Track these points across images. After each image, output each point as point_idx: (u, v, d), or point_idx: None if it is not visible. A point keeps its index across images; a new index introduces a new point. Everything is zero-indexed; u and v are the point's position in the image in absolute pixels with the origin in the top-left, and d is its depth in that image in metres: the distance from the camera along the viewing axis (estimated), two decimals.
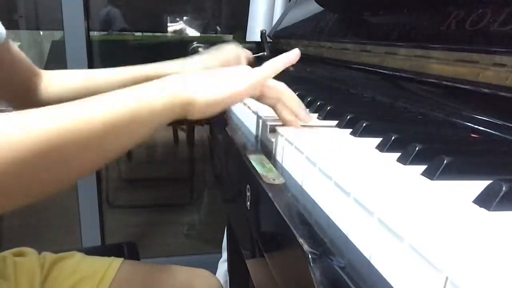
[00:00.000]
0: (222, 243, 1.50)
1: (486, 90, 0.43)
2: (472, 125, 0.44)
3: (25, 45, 1.81)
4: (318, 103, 0.54)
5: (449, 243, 0.20)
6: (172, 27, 1.86)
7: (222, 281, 0.88)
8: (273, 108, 0.47)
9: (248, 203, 0.40)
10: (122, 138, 0.38)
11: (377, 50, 0.64)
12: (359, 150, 0.37)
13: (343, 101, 0.61)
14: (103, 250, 1.03)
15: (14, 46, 0.64)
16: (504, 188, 0.24)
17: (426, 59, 0.53)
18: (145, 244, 1.81)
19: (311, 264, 0.24)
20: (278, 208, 0.31)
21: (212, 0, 1.87)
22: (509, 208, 0.24)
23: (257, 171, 0.38)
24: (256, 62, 0.85)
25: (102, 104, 0.36)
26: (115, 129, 0.36)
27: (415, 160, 0.32)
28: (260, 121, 0.50)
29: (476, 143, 0.41)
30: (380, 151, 0.36)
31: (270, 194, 0.33)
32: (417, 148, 0.32)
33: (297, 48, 0.48)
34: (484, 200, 0.25)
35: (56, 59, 1.67)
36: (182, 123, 2.02)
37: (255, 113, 0.52)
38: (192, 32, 1.86)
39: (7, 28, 0.60)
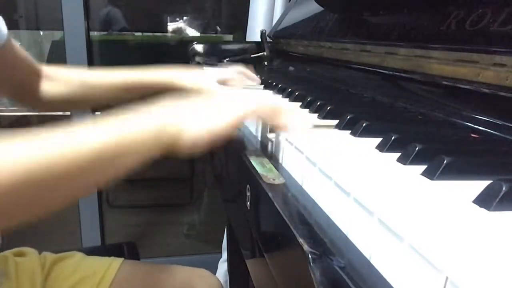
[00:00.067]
0: (222, 243, 1.51)
1: (486, 90, 0.43)
2: (472, 125, 0.44)
3: (25, 45, 1.82)
4: (318, 103, 0.54)
5: (449, 243, 0.20)
6: (172, 27, 1.86)
7: (222, 281, 0.88)
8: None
9: (248, 203, 0.40)
10: (109, 170, 0.37)
11: (377, 50, 0.64)
12: (359, 150, 0.37)
13: (343, 101, 0.61)
14: (103, 250, 1.03)
15: (17, 44, 0.65)
16: (504, 188, 0.24)
17: (426, 59, 0.53)
18: (145, 244, 1.81)
19: (311, 264, 0.24)
20: (278, 208, 0.31)
21: (212, 0, 1.87)
22: (509, 208, 0.24)
23: (257, 171, 0.38)
24: (255, 67, 0.85)
25: (87, 136, 0.36)
26: (101, 162, 0.36)
27: (415, 160, 0.32)
28: (260, 121, 0.50)
29: (476, 143, 0.40)
30: (380, 151, 0.36)
31: (270, 194, 0.33)
32: (417, 148, 0.32)
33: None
34: (484, 200, 0.25)
35: (56, 59, 1.67)
36: None
37: None
38: (192, 32, 1.86)
39: (7, 28, 0.61)
